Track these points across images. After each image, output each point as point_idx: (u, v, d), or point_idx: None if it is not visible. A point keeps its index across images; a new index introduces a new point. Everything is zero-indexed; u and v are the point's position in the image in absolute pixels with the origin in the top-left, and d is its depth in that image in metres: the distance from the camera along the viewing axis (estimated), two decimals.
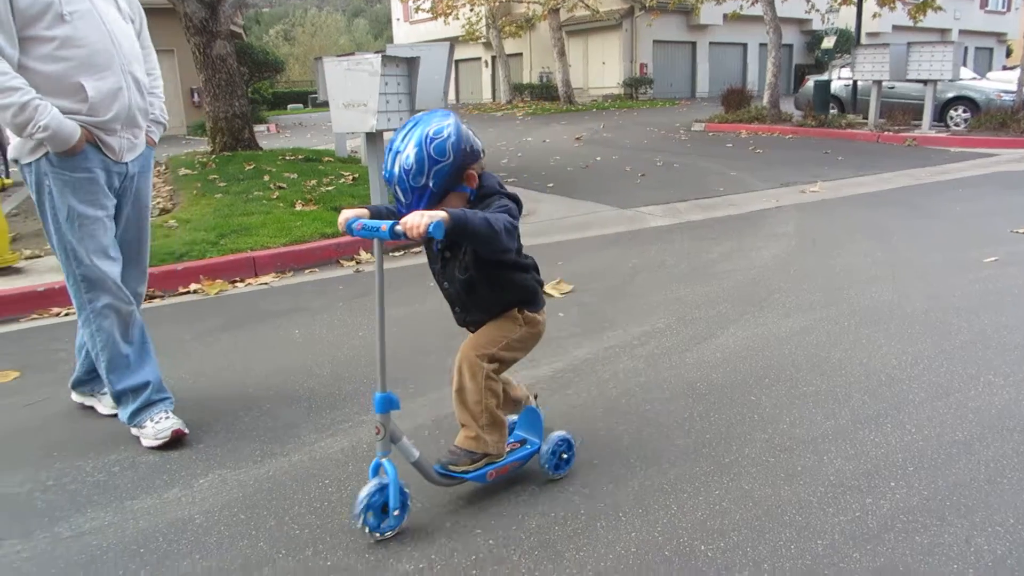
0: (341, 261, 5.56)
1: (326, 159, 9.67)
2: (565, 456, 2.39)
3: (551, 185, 8.75)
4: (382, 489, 2.06)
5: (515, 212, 2.05)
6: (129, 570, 2.01)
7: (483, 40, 31.29)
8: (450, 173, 1.98)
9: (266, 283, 5.07)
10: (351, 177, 8.10)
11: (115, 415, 2.90)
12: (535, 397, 2.68)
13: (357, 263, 5.49)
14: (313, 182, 7.77)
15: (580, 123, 18.56)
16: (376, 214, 2.08)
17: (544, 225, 6.69)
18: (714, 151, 12.03)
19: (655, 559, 1.98)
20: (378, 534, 2.08)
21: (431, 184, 1.96)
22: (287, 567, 2.00)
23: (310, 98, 33.87)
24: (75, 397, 3.10)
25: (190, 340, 3.93)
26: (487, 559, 2.01)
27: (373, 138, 6.11)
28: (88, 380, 3.02)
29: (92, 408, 3.06)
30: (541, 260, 2.42)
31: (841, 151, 11.29)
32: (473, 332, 2.29)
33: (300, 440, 2.73)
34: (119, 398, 2.78)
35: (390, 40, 41.19)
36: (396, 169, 1.96)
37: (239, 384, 3.29)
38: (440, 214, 1.81)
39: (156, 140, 2.92)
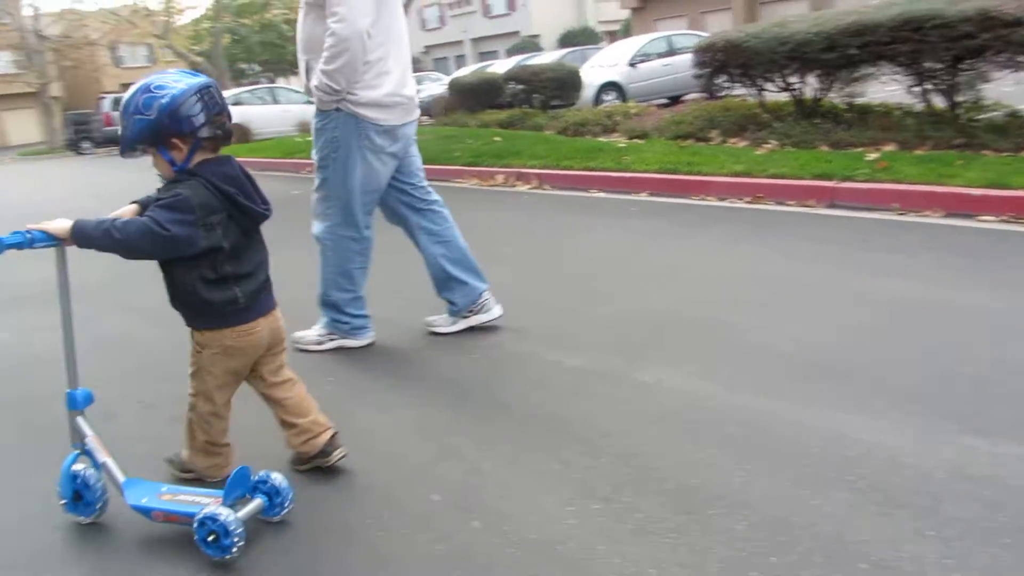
0: None
1: None
2: (214, 533, 1.76)
3: None
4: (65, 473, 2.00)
5: (179, 206, 1.85)
6: None
7: None
8: (146, 130, 1.89)
9: None
10: None
11: None
12: (334, 436, 2.14)
13: None
14: None
15: None
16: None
17: None
18: None
19: None
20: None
21: (127, 129, 1.92)
22: None
23: None
24: None
25: None
26: None
27: None
28: None
29: None
30: None
31: None
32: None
33: None
34: None
35: None
36: (125, 95, 1.94)
37: None
38: (47, 227, 1.84)
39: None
